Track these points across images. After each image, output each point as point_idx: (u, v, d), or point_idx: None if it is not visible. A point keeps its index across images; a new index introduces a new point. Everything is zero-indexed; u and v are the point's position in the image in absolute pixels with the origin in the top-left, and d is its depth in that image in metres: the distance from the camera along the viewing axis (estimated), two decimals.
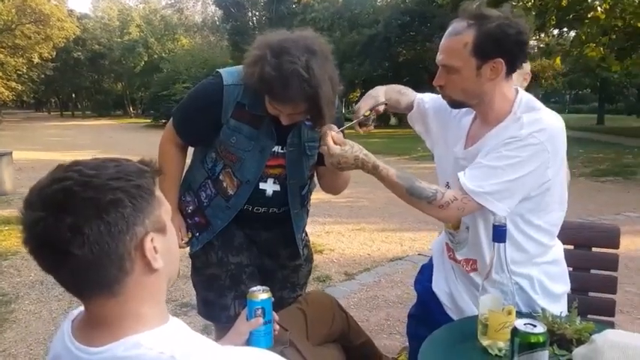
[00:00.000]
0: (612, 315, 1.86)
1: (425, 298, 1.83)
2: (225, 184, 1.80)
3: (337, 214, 6.61)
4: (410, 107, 1.86)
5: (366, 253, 4.92)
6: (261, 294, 1.39)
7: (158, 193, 0.85)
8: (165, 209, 0.87)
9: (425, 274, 1.89)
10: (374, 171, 1.52)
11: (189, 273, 2.01)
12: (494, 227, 1.28)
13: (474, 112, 1.63)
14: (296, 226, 1.91)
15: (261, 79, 1.54)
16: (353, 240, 5.40)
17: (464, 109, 1.65)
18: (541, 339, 1.04)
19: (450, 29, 1.49)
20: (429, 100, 1.83)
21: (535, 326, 1.05)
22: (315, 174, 1.95)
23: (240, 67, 1.75)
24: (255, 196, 1.80)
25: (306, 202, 1.96)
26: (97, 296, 0.81)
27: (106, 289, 0.80)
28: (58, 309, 3.52)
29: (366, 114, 1.69)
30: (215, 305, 1.87)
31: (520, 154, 1.42)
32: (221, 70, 1.77)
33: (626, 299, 3.45)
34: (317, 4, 32.76)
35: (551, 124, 1.45)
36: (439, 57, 1.51)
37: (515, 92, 1.54)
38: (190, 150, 1.93)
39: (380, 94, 1.76)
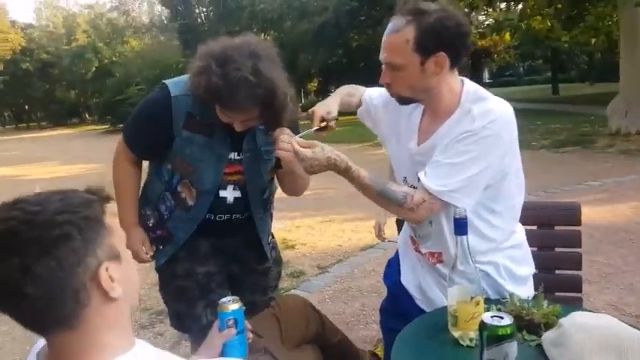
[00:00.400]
0: (579, 291, 1.89)
1: (395, 292, 1.83)
2: (183, 195, 1.76)
3: (305, 207, 6.58)
4: (360, 105, 1.85)
5: (337, 245, 4.93)
6: (231, 305, 1.37)
7: (108, 221, 0.84)
8: (117, 236, 0.85)
9: (393, 267, 1.89)
10: (346, 172, 1.50)
11: None
12: (455, 220, 1.28)
13: (423, 106, 1.63)
14: (261, 231, 1.89)
15: (207, 90, 1.50)
16: (323, 232, 5.41)
17: (413, 104, 1.65)
18: (508, 331, 1.04)
19: (390, 26, 1.47)
20: (377, 95, 1.81)
21: (502, 318, 1.06)
22: (275, 177, 1.91)
23: (186, 76, 1.69)
24: (216, 204, 1.77)
25: (268, 206, 1.94)
26: (58, 331, 0.80)
27: (64, 323, 0.79)
28: (21, 337, 3.35)
29: (322, 125, 1.65)
30: (186, 317, 1.84)
31: (477, 148, 1.42)
32: (167, 82, 1.72)
33: (594, 269, 3.55)
34: None
35: (501, 111, 1.46)
36: (382, 55, 1.50)
37: (461, 83, 1.54)
38: (145, 163, 1.88)
39: (333, 108, 1.71)
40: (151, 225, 1.85)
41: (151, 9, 53.32)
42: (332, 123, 1.67)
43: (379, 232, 2.82)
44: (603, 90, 21.77)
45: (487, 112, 1.44)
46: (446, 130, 1.49)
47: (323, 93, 39.06)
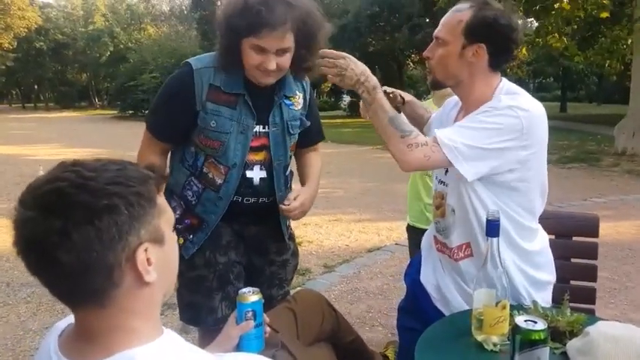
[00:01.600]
0: (593, 303, 1.92)
1: (413, 290, 1.85)
2: (211, 175, 1.77)
3: (314, 205, 6.59)
4: (425, 122, 1.92)
5: (345, 244, 4.94)
6: (251, 296, 1.34)
7: (160, 200, 0.82)
8: (166, 218, 0.83)
9: (414, 266, 1.91)
10: (372, 90, 1.51)
11: None
12: (488, 221, 1.29)
13: (459, 104, 1.67)
14: (282, 216, 1.90)
15: (245, 9, 1.54)
16: (331, 231, 5.42)
17: (452, 104, 1.68)
18: (542, 336, 1.05)
19: (455, 6, 1.57)
20: (434, 114, 1.90)
21: (536, 323, 1.07)
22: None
23: (210, 53, 1.75)
24: (243, 186, 1.78)
25: (289, 185, 1.95)
26: (85, 306, 0.77)
27: (94, 299, 0.76)
28: (26, 312, 3.40)
29: (389, 91, 1.74)
30: (202, 308, 1.81)
31: (495, 121, 1.44)
32: (189, 59, 1.76)
33: (599, 284, 3.55)
34: None
35: (531, 107, 1.48)
36: (437, 29, 1.58)
37: (500, 82, 1.58)
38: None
39: (405, 95, 1.88)
40: (177, 216, 1.82)
41: None
42: (399, 97, 1.83)
43: None
44: (610, 111, 21.79)
45: (516, 100, 1.48)
46: (472, 113, 1.53)
47: (336, 93, 39.16)
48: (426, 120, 1.92)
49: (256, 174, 1.79)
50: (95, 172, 0.75)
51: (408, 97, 1.93)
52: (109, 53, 42.60)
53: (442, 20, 1.58)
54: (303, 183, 1.98)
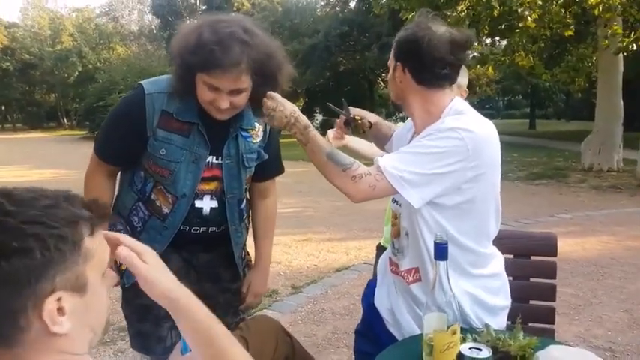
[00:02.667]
0: (552, 322, 1.89)
1: (369, 313, 1.81)
2: (158, 203, 1.70)
3: (283, 224, 6.51)
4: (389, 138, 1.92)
5: (313, 264, 4.89)
6: None
7: (90, 244, 0.75)
8: (94, 263, 0.76)
9: (371, 288, 1.86)
10: (304, 130, 1.50)
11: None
12: (436, 244, 1.25)
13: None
14: (235, 244, 1.84)
15: (198, 46, 1.46)
16: (300, 251, 5.36)
17: (409, 126, 1.71)
18: None
19: None
20: (396, 132, 1.89)
21: (480, 350, 1.04)
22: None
23: (166, 76, 1.68)
24: (192, 216, 1.71)
25: (244, 217, 1.89)
26: None
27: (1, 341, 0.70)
28: None
29: (354, 117, 1.79)
30: (151, 337, 1.75)
31: (438, 145, 1.41)
32: (143, 81, 1.69)
33: (562, 300, 3.59)
34: (256, 14, 32.74)
35: (475, 127, 1.45)
36: None
37: (450, 101, 1.53)
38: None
39: (370, 117, 1.91)
40: None
41: (141, 17, 53.36)
42: (366, 122, 1.86)
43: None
44: (578, 128, 22.39)
45: (459, 120, 1.45)
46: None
47: (308, 112, 39.25)
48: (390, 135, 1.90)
49: (206, 204, 1.73)
50: (18, 207, 0.70)
51: (374, 119, 1.92)
52: (77, 73, 42.08)
53: None
54: (255, 234, 1.97)
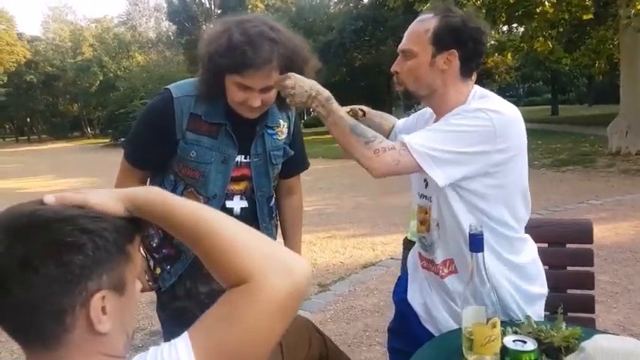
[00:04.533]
0: (592, 311, 1.83)
1: (401, 310, 1.77)
2: None
3: (307, 222, 6.47)
4: (389, 132, 1.84)
5: (339, 261, 4.85)
6: None
7: (131, 249, 0.77)
8: (131, 268, 0.77)
9: (402, 284, 1.83)
10: (326, 102, 1.46)
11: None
12: (471, 236, 1.21)
13: (434, 115, 1.61)
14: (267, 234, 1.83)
15: (229, 48, 1.47)
16: (325, 248, 5.33)
17: (427, 117, 1.65)
18: (532, 357, 0.98)
19: (417, 19, 1.52)
20: (402, 122, 1.84)
21: (525, 342, 1.00)
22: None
23: (190, 79, 1.68)
24: None
25: (274, 215, 1.89)
26: (33, 348, 0.72)
27: (41, 341, 0.71)
28: (19, 349, 3.29)
29: (347, 109, 1.68)
30: None
31: (466, 123, 1.38)
32: (169, 86, 1.69)
33: (600, 289, 3.49)
34: (270, 14, 32.80)
35: (502, 108, 1.42)
36: (401, 43, 1.53)
37: (473, 89, 1.53)
38: None
39: (365, 109, 1.84)
40: (155, 245, 1.76)
41: (158, 25, 53.90)
42: (359, 112, 1.79)
43: None
44: (602, 112, 21.88)
45: (486, 103, 1.43)
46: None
47: None
48: (386, 129, 1.84)
49: (237, 204, 1.73)
50: (70, 213, 0.72)
51: (365, 108, 1.87)
52: (98, 82, 42.91)
53: (406, 33, 1.52)
54: (283, 234, 1.98)
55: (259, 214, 1.77)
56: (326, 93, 1.47)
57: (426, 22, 1.47)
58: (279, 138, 1.78)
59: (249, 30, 1.48)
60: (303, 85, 1.45)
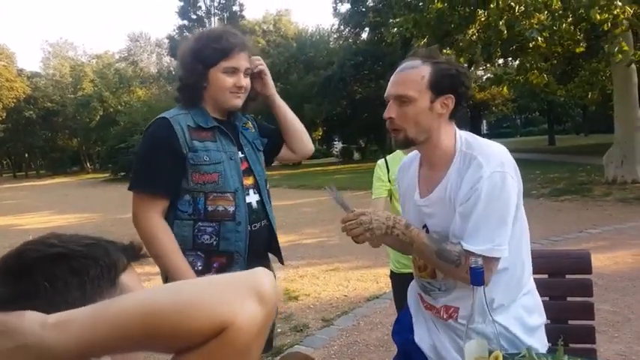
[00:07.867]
0: (593, 342, 1.86)
1: (407, 350, 1.76)
2: (221, 208, 1.79)
3: (309, 255, 6.56)
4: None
5: (343, 295, 4.85)
6: None
7: (126, 279, 0.76)
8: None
9: (403, 324, 1.83)
10: (406, 230, 1.50)
11: None
12: (472, 270, 1.24)
13: (418, 159, 1.68)
14: (273, 221, 1.99)
15: (214, 40, 1.79)
16: (328, 282, 5.33)
17: (410, 159, 1.74)
18: None
19: (403, 65, 1.56)
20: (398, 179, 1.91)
21: None
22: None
23: (173, 108, 1.90)
24: (248, 212, 1.85)
25: (269, 198, 2.03)
26: None
27: None
28: None
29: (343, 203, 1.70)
30: None
31: (497, 196, 1.44)
32: (157, 116, 1.86)
33: (601, 318, 3.50)
34: (272, 50, 33.45)
35: (502, 153, 1.50)
36: (391, 90, 1.55)
37: (454, 131, 1.59)
38: None
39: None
40: (200, 268, 1.79)
41: (159, 60, 54.54)
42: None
43: None
44: (597, 141, 22.09)
45: (491, 156, 1.48)
46: (454, 178, 1.51)
47: (327, 141, 39.86)
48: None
49: (253, 198, 1.89)
50: (64, 243, 0.73)
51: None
52: (98, 117, 43.00)
53: (396, 80, 1.54)
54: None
55: (263, 195, 1.94)
56: (403, 221, 1.51)
57: (419, 69, 1.51)
58: (252, 131, 2.03)
59: (217, 29, 1.91)
60: (379, 218, 1.50)
